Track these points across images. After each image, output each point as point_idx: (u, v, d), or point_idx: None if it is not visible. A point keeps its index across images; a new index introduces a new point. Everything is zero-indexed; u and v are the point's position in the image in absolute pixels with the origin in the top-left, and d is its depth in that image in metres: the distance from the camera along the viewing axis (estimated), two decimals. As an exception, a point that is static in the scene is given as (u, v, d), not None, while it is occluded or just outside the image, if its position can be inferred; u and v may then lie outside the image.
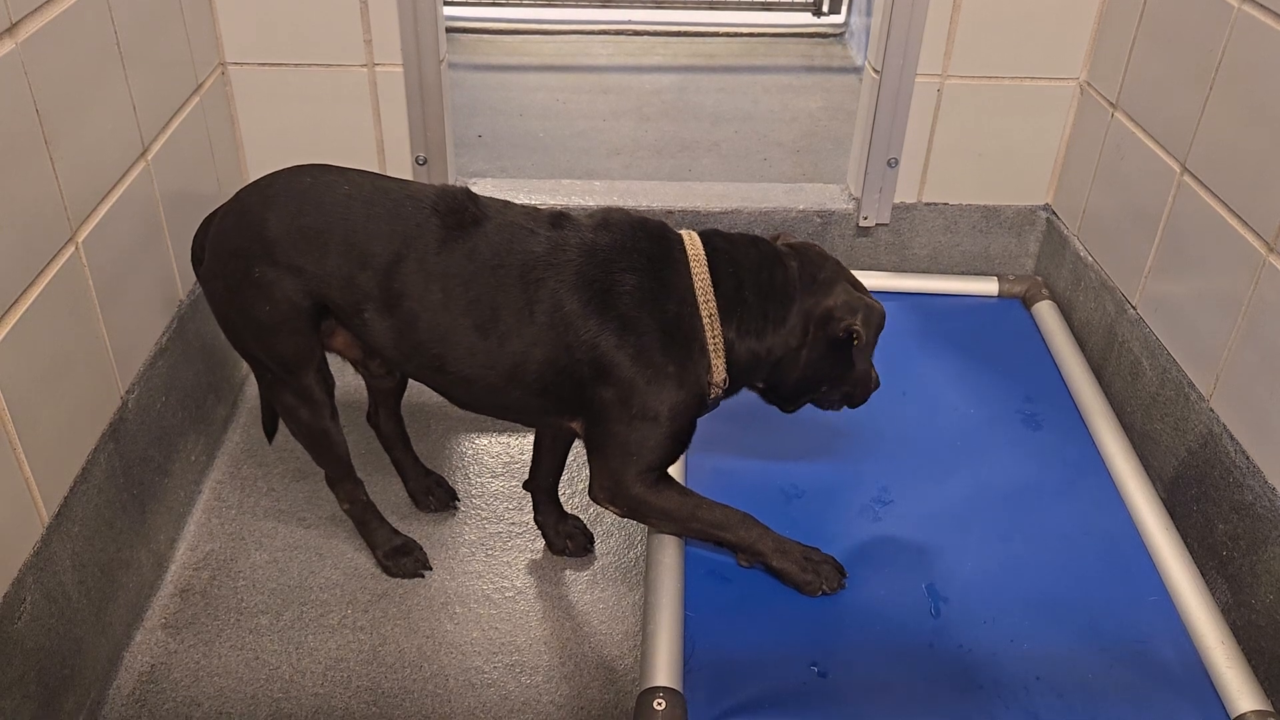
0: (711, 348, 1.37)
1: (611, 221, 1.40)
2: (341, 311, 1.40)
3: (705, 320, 1.36)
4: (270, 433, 1.71)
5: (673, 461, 1.44)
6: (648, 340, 1.34)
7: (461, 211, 1.38)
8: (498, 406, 1.45)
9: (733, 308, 1.37)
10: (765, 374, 1.44)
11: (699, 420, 1.43)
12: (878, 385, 1.51)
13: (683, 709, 1.26)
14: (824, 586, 1.44)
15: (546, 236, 1.37)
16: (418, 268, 1.35)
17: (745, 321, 1.38)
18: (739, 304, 1.38)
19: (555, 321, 1.33)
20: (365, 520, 1.67)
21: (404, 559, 1.67)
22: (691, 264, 1.37)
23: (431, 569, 1.68)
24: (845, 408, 1.52)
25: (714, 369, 1.37)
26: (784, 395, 1.49)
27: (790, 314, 1.40)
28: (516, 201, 1.39)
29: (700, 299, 1.36)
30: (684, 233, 1.42)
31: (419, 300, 1.35)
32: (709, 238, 1.41)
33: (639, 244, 1.37)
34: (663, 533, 1.49)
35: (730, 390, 1.43)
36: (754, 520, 1.45)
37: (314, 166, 1.45)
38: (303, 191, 1.40)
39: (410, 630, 1.57)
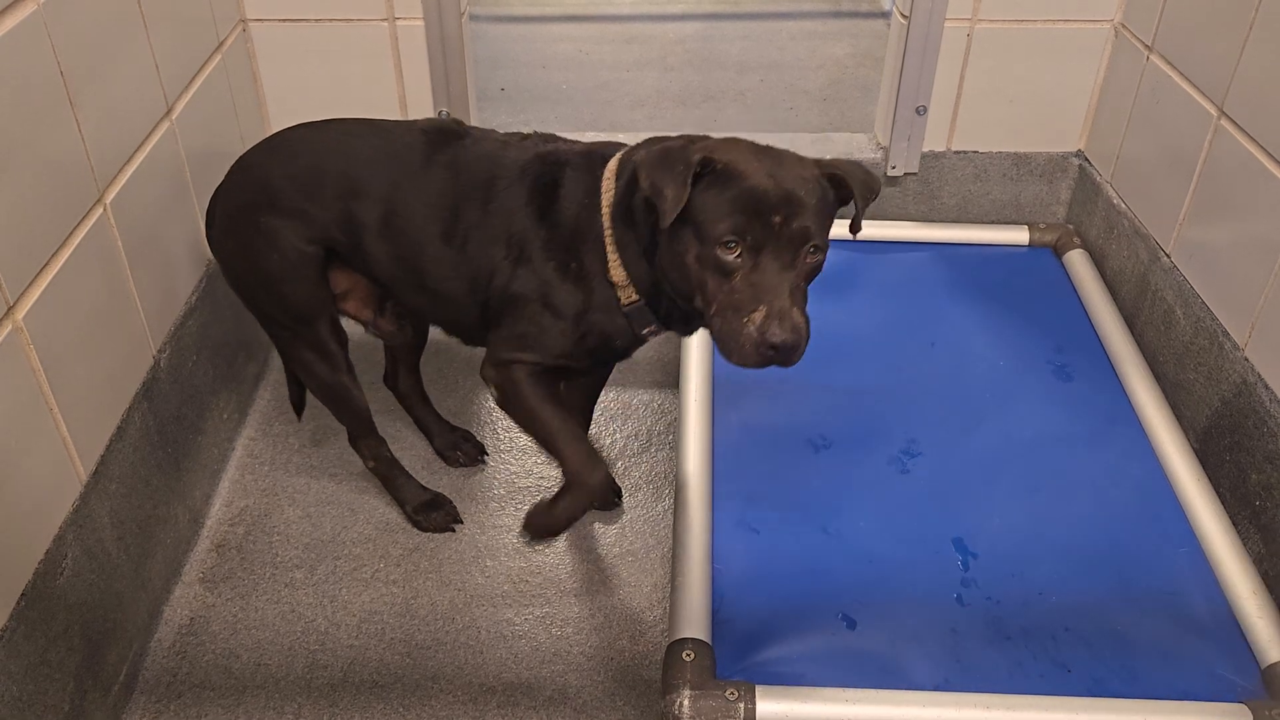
0: (609, 245, 1.31)
1: (573, 144, 1.41)
2: (346, 249, 1.44)
3: (604, 219, 1.31)
4: (299, 409, 1.73)
5: (570, 363, 1.38)
6: (559, 234, 1.33)
7: (446, 132, 1.43)
8: (468, 327, 1.47)
9: (621, 202, 1.31)
10: (657, 276, 1.29)
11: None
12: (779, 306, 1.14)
13: (711, 660, 1.28)
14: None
15: (514, 148, 1.39)
16: (404, 186, 1.40)
17: (629, 215, 1.30)
18: (628, 198, 1.30)
19: (503, 222, 1.36)
20: (391, 477, 1.69)
21: (434, 513, 1.69)
22: (607, 169, 1.34)
23: (462, 522, 1.70)
24: (770, 352, 1.14)
25: (611, 267, 1.31)
26: (677, 302, 1.29)
27: None
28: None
29: (604, 199, 1.32)
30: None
31: (404, 216, 1.40)
32: (639, 145, 1.35)
33: (581, 156, 1.37)
34: (518, 424, 1.44)
35: (655, 310, 1.33)
36: (591, 455, 1.39)
37: (312, 121, 1.51)
38: (299, 139, 1.48)
39: (442, 583, 1.59)
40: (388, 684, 1.46)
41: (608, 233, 1.30)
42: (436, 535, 1.68)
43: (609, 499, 1.71)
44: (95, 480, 1.36)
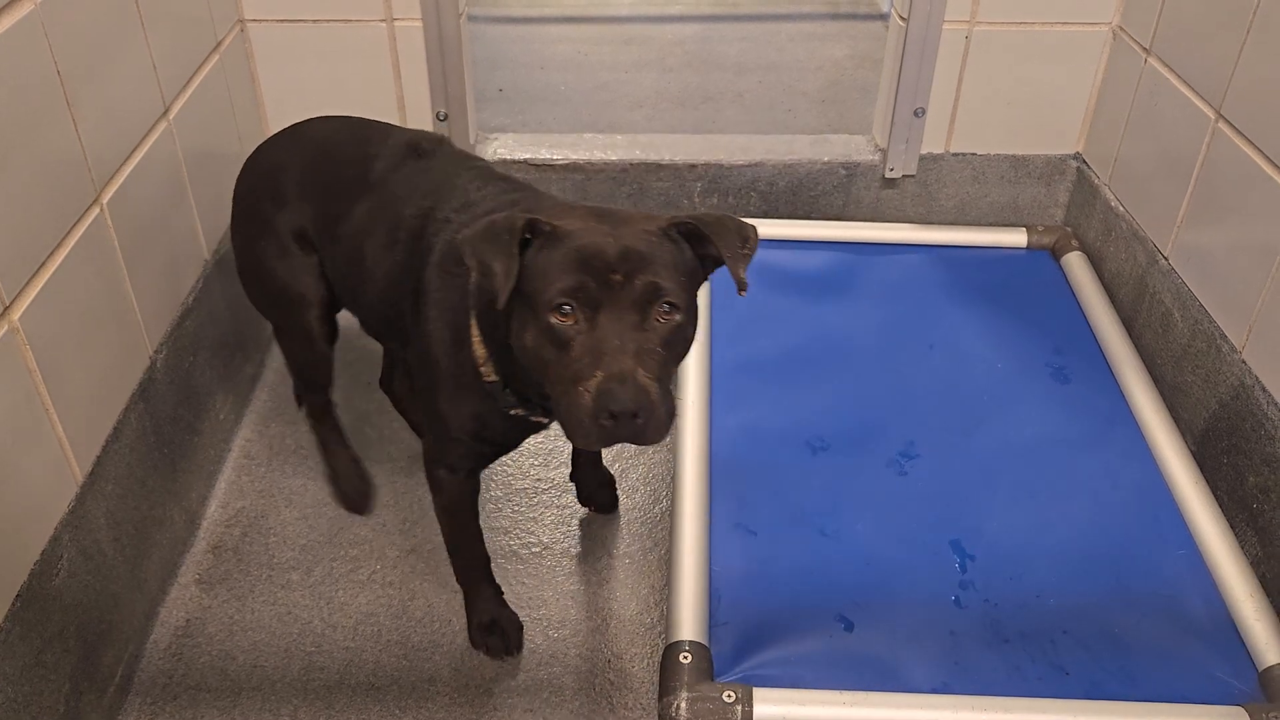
0: (473, 319, 1.20)
1: (505, 181, 1.34)
2: (319, 244, 1.46)
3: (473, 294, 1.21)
4: (301, 400, 1.74)
5: (478, 451, 1.31)
6: (447, 300, 1.23)
7: (417, 148, 1.41)
8: (390, 336, 1.45)
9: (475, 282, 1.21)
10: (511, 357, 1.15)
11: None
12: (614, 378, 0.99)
13: (708, 662, 1.28)
14: (486, 646, 1.47)
15: (453, 182, 1.31)
16: (362, 194, 1.39)
17: (480, 294, 1.19)
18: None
19: (411, 268, 1.28)
20: (327, 441, 1.73)
21: (350, 489, 1.72)
22: None
23: (372, 510, 1.71)
24: (609, 422, 0.99)
25: (474, 344, 1.20)
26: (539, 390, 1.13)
27: None
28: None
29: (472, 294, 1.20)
30: None
31: (353, 225, 1.39)
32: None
33: (491, 200, 1.28)
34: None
35: (521, 396, 1.21)
36: (481, 577, 1.46)
37: (328, 116, 1.55)
38: (303, 133, 1.51)
39: (439, 585, 1.59)
40: (384, 686, 1.45)
41: (473, 308, 1.20)
42: (434, 536, 1.67)
43: (507, 643, 1.51)
44: (91, 481, 1.35)
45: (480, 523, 1.45)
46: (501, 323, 1.13)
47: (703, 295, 1.89)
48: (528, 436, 1.34)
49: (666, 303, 1.04)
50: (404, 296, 1.30)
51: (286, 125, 1.56)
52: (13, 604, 1.17)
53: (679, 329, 1.06)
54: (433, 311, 1.25)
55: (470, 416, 1.27)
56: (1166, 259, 1.81)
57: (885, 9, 3.37)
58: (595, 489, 1.70)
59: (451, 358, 1.24)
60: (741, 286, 1.08)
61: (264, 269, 1.52)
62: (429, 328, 1.26)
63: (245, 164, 1.56)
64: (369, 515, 1.70)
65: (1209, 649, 1.32)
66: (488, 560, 1.47)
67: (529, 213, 1.07)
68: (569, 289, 1.02)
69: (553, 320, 1.03)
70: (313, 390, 1.68)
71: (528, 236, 1.05)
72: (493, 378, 1.21)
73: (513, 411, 1.24)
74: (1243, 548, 1.47)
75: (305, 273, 1.49)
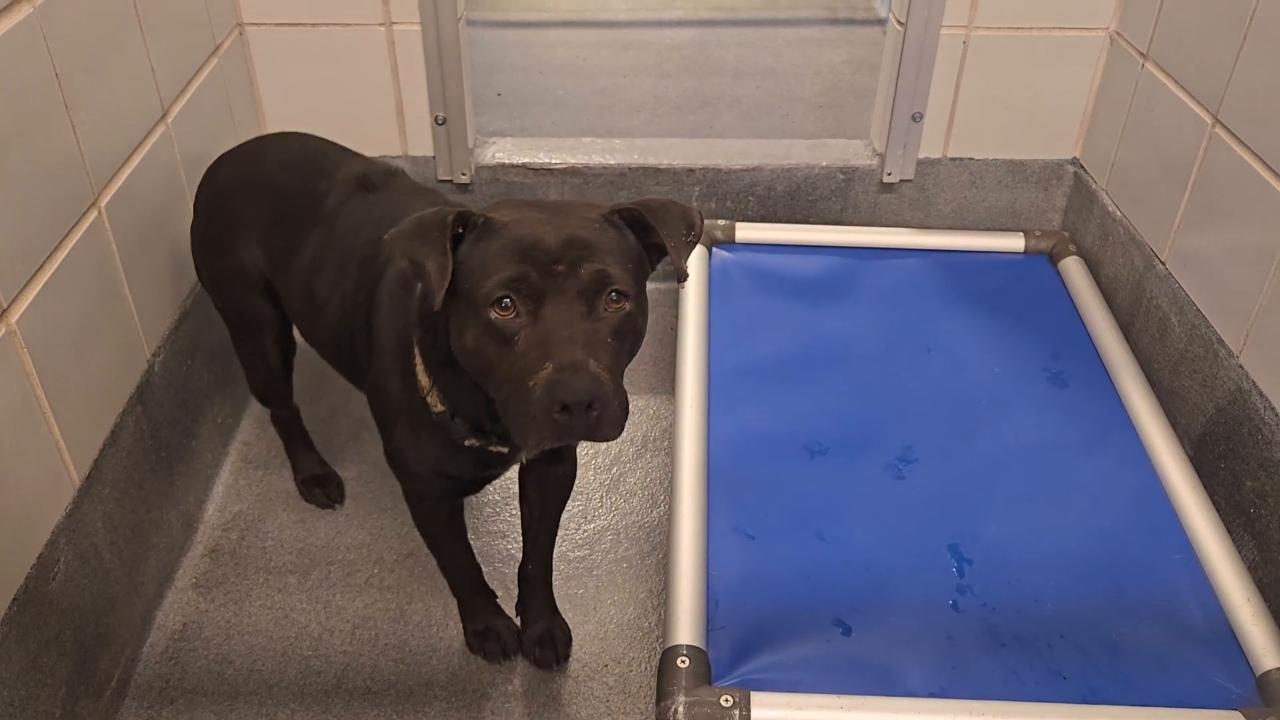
0: (415, 345, 1.15)
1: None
2: (272, 274, 1.44)
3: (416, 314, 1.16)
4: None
5: (446, 488, 1.27)
6: (392, 329, 1.19)
7: (365, 181, 1.37)
8: (344, 368, 1.40)
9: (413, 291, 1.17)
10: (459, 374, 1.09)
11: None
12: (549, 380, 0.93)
13: (706, 666, 1.27)
14: (482, 651, 1.47)
15: (406, 211, 1.20)
16: (313, 228, 1.37)
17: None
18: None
19: (359, 304, 1.25)
20: (290, 444, 1.74)
21: (317, 490, 1.73)
22: None
23: (342, 504, 1.72)
24: (562, 415, 0.93)
25: (419, 371, 1.15)
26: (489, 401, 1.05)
27: None
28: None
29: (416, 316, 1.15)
30: None
31: (305, 259, 1.37)
32: None
33: None
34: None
35: (473, 425, 1.15)
36: (474, 589, 1.46)
37: (285, 135, 1.53)
38: (259, 155, 1.50)
39: (436, 589, 1.59)
40: (381, 690, 1.45)
41: (416, 332, 1.15)
42: (431, 541, 1.67)
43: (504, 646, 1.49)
44: (89, 484, 1.35)
45: (470, 533, 1.44)
46: (440, 334, 1.07)
47: (701, 299, 1.90)
48: (495, 474, 1.28)
49: (615, 291, 0.98)
50: (357, 329, 1.26)
51: (285, 128, 1.56)
52: (9, 608, 1.17)
53: (629, 318, 1.00)
54: (382, 341, 1.21)
55: (426, 450, 1.21)
56: (1164, 264, 1.81)
57: (883, 14, 3.37)
58: (541, 633, 1.48)
59: (402, 389, 1.18)
60: (682, 276, 1.03)
61: (219, 287, 1.52)
62: (379, 359, 1.22)
63: (203, 179, 1.52)
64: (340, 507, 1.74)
65: (1206, 654, 1.32)
66: (478, 571, 1.46)
67: (461, 207, 1.03)
68: (508, 281, 0.96)
69: (493, 316, 0.97)
70: (270, 405, 1.69)
71: (460, 231, 1.00)
72: (440, 408, 1.14)
73: (466, 442, 1.17)
74: (1240, 552, 1.47)
75: (258, 297, 1.48)
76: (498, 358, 0.97)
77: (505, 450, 1.19)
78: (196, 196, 1.54)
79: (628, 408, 0.98)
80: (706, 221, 2.08)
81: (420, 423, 1.19)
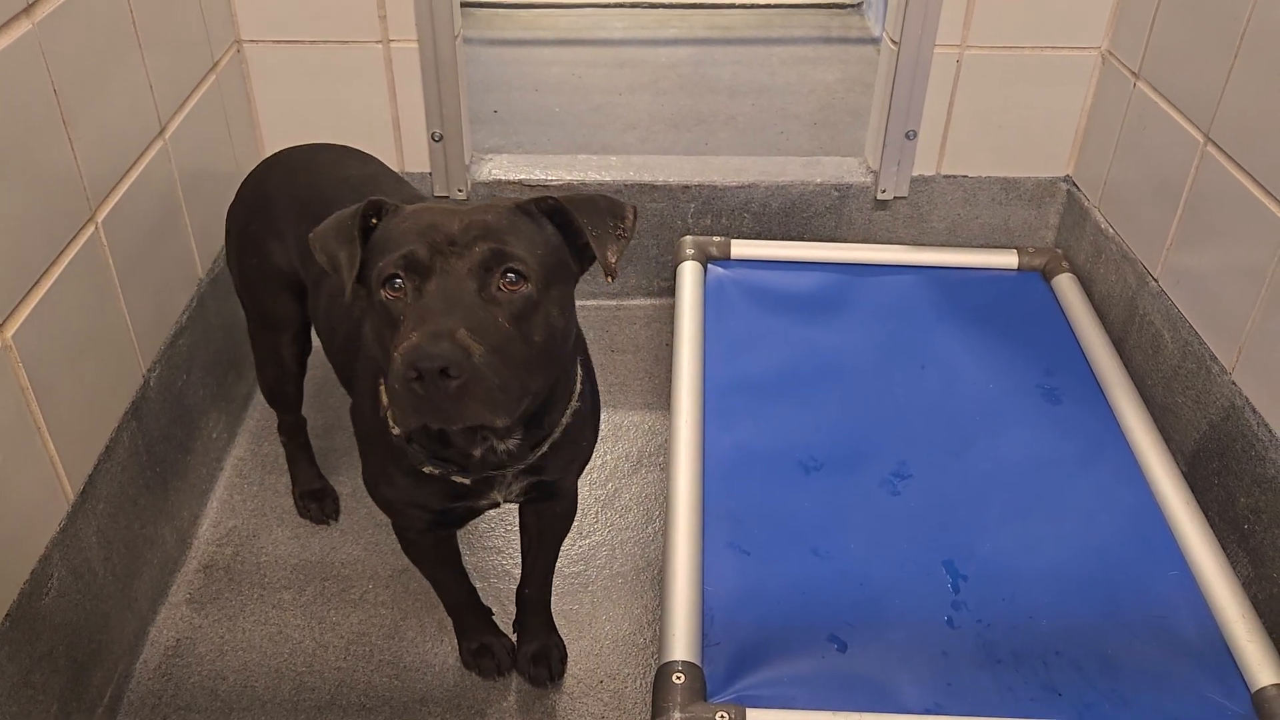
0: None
1: None
2: (306, 282, 1.43)
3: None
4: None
5: (429, 520, 1.23)
6: (370, 354, 1.13)
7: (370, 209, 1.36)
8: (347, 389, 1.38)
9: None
10: None
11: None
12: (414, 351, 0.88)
13: (701, 682, 1.27)
14: (477, 667, 1.47)
15: None
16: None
17: None
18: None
19: (349, 309, 1.25)
20: (294, 458, 1.74)
21: (312, 504, 1.73)
22: None
23: (337, 519, 1.72)
24: (413, 379, 0.87)
25: (382, 391, 1.09)
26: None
27: None
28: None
29: None
30: None
31: (326, 279, 1.34)
32: None
33: None
34: None
35: (431, 451, 1.10)
36: (468, 609, 1.45)
37: (333, 145, 1.53)
38: (306, 163, 1.49)
39: (431, 605, 1.59)
40: (375, 706, 1.45)
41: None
42: (426, 556, 1.67)
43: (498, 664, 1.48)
44: (83, 500, 1.35)
45: (466, 549, 1.44)
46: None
47: (696, 315, 1.91)
48: (476, 506, 1.21)
49: (511, 270, 0.92)
50: (351, 353, 1.26)
51: (283, 146, 1.57)
52: (1, 623, 1.16)
53: (530, 303, 0.93)
54: (360, 363, 1.20)
55: (395, 479, 1.16)
56: (1156, 281, 1.82)
57: (877, 33, 3.40)
58: (537, 650, 1.48)
59: (372, 411, 1.14)
60: (608, 272, 0.95)
61: (248, 281, 1.52)
62: (358, 381, 1.22)
63: (245, 179, 1.54)
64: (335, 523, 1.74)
65: (1201, 670, 1.32)
66: (473, 591, 1.45)
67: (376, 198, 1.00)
68: (397, 259, 0.92)
69: (384, 297, 0.93)
70: (279, 407, 1.68)
71: (374, 221, 0.98)
72: (397, 430, 1.08)
73: (426, 469, 1.11)
74: (1234, 569, 1.47)
75: (285, 295, 1.48)
76: (388, 341, 0.92)
77: (468, 482, 1.12)
78: (243, 188, 1.53)
79: (519, 392, 0.92)
80: (702, 238, 2.09)
81: (385, 449, 1.14)
